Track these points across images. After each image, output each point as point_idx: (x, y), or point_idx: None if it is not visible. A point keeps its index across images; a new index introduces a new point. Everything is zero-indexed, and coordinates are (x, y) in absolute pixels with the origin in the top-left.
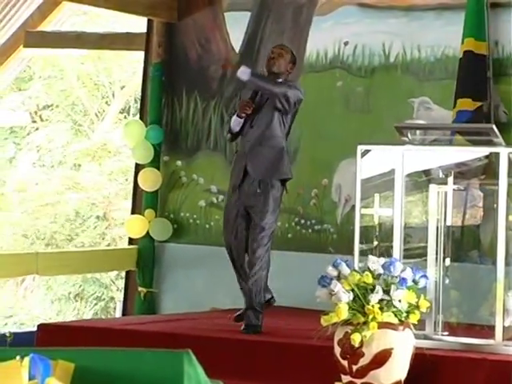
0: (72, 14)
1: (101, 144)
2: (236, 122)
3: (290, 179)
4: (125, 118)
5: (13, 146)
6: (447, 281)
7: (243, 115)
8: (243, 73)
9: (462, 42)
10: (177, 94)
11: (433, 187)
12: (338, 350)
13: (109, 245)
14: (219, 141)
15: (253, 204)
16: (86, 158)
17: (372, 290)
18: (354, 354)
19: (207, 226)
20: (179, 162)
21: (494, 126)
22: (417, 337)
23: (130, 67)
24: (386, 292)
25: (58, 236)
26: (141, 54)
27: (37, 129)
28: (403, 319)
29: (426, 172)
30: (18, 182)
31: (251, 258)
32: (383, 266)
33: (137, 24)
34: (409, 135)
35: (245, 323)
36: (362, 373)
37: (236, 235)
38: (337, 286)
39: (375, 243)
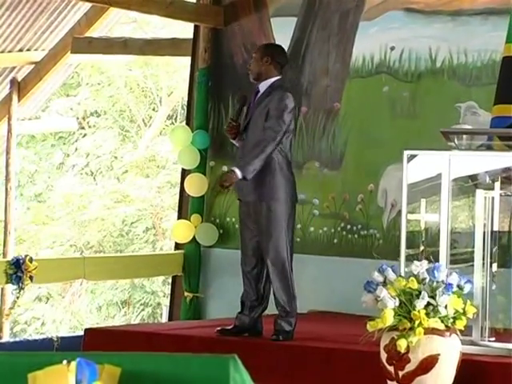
0: (119, 21)
1: (149, 156)
2: (236, 143)
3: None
4: (172, 124)
5: (60, 152)
6: (494, 286)
7: (232, 137)
8: (240, 175)
9: (505, 47)
10: (223, 99)
11: (479, 192)
12: (383, 356)
13: None
14: None
15: (257, 215)
16: (133, 170)
17: (418, 296)
18: (400, 359)
19: None
20: (225, 167)
21: None
22: (463, 343)
23: (177, 73)
24: (432, 297)
25: (106, 245)
26: (187, 60)
27: (84, 135)
28: (450, 325)
29: (473, 177)
30: (65, 192)
31: (270, 270)
32: (428, 271)
33: (183, 30)
34: (455, 140)
35: (275, 329)
36: (409, 379)
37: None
38: (382, 292)
39: (421, 248)
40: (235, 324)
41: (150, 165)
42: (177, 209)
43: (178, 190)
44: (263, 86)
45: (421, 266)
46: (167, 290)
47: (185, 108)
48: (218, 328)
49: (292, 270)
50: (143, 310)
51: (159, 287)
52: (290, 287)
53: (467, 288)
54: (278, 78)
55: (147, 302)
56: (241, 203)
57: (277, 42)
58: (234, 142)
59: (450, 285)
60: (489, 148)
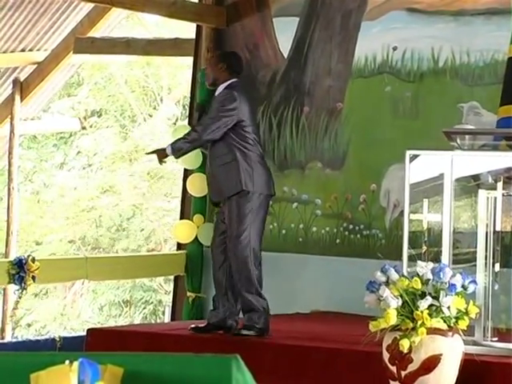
0: (121, 21)
1: (134, 146)
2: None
3: (243, 192)
4: (174, 124)
5: (62, 152)
6: (496, 286)
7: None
8: (168, 151)
9: (510, 48)
10: None
11: (482, 192)
12: (386, 356)
13: (153, 250)
14: (267, 146)
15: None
16: (119, 160)
17: (421, 296)
18: (402, 359)
19: None
20: None
21: None
22: (466, 343)
23: (178, 72)
24: (435, 298)
25: (103, 240)
26: (189, 59)
27: (86, 134)
28: (452, 325)
29: (475, 177)
30: (63, 189)
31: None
32: (432, 272)
33: (186, 30)
34: (458, 140)
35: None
36: (411, 379)
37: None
38: (385, 292)
39: (424, 248)
40: (208, 321)
41: (138, 156)
42: (179, 209)
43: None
44: (219, 90)
45: (426, 268)
46: (168, 287)
47: (186, 106)
48: (192, 325)
49: (259, 266)
50: (145, 307)
51: (160, 285)
52: (253, 285)
53: (471, 288)
54: (234, 80)
55: (148, 300)
56: None
57: (279, 42)
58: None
59: (454, 285)
60: (493, 148)
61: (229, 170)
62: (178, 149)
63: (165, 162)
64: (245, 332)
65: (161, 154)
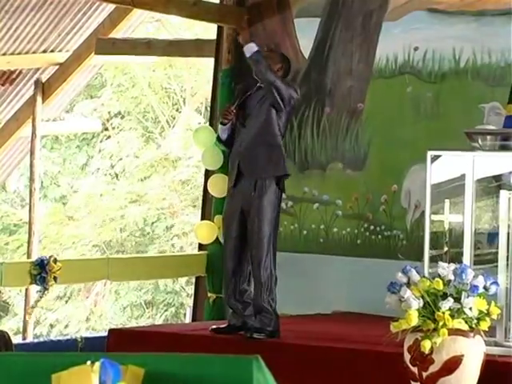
0: (143, 22)
1: (163, 155)
2: (222, 130)
3: (285, 176)
4: (199, 124)
5: (84, 153)
6: None
7: (226, 122)
8: (249, 48)
9: None
10: None
11: (503, 193)
12: (407, 357)
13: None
14: (288, 146)
15: (248, 208)
16: (150, 169)
17: (442, 297)
18: (423, 360)
19: None
20: None
21: None
22: (487, 344)
23: (201, 74)
24: (457, 299)
25: (128, 244)
26: (211, 61)
27: (108, 137)
28: (474, 326)
29: (497, 177)
30: (87, 193)
31: (254, 266)
32: (454, 273)
33: (207, 30)
34: (479, 141)
35: (248, 327)
36: (432, 380)
37: (230, 240)
38: (406, 293)
39: (445, 249)
40: (229, 322)
41: (166, 164)
42: (200, 209)
43: (190, 186)
44: (253, 89)
45: (448, 269)
46: (190, 290)
47: (208, 108)
48: (213, 326)
49: (275, 266)
50: (166, 310)
51: (182, 287)
52: (271, 288)
53: (493, 289)
54: None
55: (170, 303)
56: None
57: (300, 43)
58: (222, 126)
59: (476, 287)
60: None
61: (276, 152)
62: (257, 59)
63: (239, 43)
64: (256, 335)
65: (246, 38)
